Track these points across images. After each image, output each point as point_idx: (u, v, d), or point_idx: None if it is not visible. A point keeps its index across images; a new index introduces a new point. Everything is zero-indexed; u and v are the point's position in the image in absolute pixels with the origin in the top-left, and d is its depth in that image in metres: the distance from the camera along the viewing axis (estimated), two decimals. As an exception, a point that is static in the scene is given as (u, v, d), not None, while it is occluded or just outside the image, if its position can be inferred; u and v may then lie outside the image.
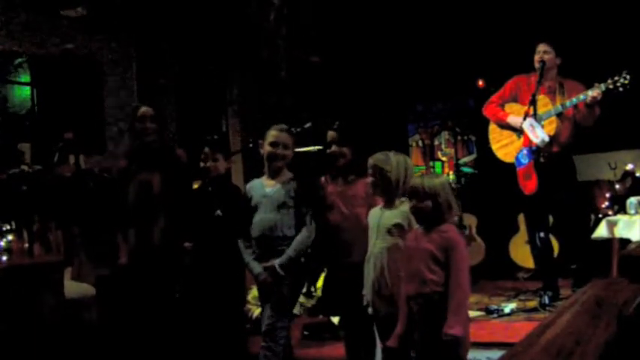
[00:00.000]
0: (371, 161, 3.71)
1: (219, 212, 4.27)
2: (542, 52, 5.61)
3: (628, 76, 5.19)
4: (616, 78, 5.23)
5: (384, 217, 3.65)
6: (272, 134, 4.12)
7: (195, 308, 4.36)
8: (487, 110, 5.94)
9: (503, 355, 1.19)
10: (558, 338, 1.16)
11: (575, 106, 5.43)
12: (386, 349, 3.59)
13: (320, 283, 5.06)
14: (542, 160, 5.51)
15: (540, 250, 5.78)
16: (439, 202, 3.25)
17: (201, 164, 4.36)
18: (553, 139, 5.46)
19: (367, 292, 3.68)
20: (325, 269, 4.40)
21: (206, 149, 4.36)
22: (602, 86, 5.25)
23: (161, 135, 4.75)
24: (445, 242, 3.19)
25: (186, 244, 4.52)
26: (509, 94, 5.83)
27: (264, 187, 4.14)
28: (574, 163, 5.77)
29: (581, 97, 5.36)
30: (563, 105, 5.47)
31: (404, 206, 3.58)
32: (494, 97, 5.93)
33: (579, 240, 5.58)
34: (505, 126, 5.80)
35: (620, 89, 5.24)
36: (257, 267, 4.05)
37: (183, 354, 4.42)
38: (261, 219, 4.07)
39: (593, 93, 5.27)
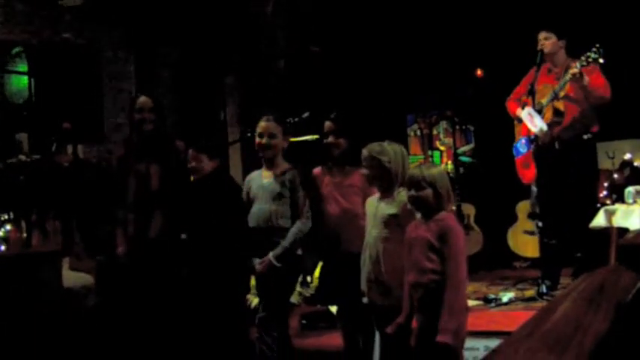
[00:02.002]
0: (366, 152, 3.66)
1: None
2: (543, 39, 5.59)
3: (601, 50, 5.17)
4: (588, 54, 5.21)
5: (381, 207, 3.64)
6: (259, 125, 4.13)
7: (195, 298, 4.37)
8: (507, 105, 5.91)
9: (501, 343, 1.19)
10: (556, 326, 1.16)
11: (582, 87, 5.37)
12: (384, 338, 3.60)
13: (317, 273, 5.07)
14: (557, 146, 5.49)
15: (540, 239, 5.78)
16: (439, 191, 3.25)
17: (188, 164, 4.38)
18: (550, 126, 5.45)
19: (362, 282, 3.67)
20: (322, 260, 4.40)
21: (190, 151, 4.36)
22: (578, 64, 5.24)
23: (160, 125, 4.73)
24: (441, 230, 3.20)
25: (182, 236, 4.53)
26: (526, 87, 5.78)
27: (262, 179, 4.14)
28: (592, 149, 5.70)
29: (567, 78, 5.34)
30: (554, 91, 5.46)
31: (401, 196, 3.58)
32: (513, 93, 5.90)
33: (583, 228, 5.55)
34: (518, 119, 5.78)
35: (595, 65, 5.23)
36: (253, 260, 4.06)
37: (182, 344, 4.42)
38: (257, 210, 4.08)
39: (570, 72, 5.25)
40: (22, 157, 5.71)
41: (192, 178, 4.47)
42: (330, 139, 4.07)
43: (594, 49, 5.19)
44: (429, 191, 3.24)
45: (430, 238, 3.21)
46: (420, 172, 3.29)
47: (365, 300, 3.66)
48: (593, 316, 1.12)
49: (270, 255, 3.97)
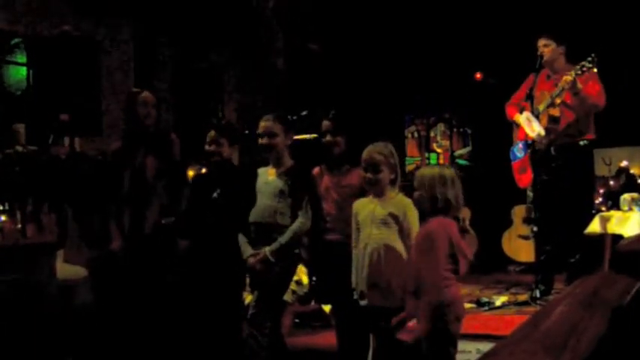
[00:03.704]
0: (380, 157, 3.63)
1: (216, 195, 4.27)
2: (542, 45, 5.59)
3: (595, 59, 5.19)
4: (583, 63, 5.23)
5: (379, 207, 3.64)
6: (260, 125, 4.14)
7: (190, 293, 4.36)
8: (506, 110, 5.91)
9: (497, 345, 1.19)
10: (552, 329, 1.16)
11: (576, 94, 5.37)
12: (379, 339, 3.60)
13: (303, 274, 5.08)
14: (553, 152, 5.50)
15: (535, 244, 5.79)
16: (431, 193, 3.26)
17: (206, 147, 4.36)
18: (546, 133, 5.45)
19: (360, 283, 3.66)
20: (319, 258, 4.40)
21: (212, 132, 4.35)
22: (573, 73, 5.25)
23: (158, 120, 4.75)
24: (428, 234, 3.22)
25: (164, 221, 4.53)
26: (525, 93, 5.77)
27: (267, 176, 4.15)
28: (588, 156, 5.67)
29: (561, 86, 5.35)
30: (551, 98, 5.47)
31: (399, 197, 3.59)
32: (512, 97, 5.90)
33: (578, 234, 5.56)
34: (516, 124, 5.77)
35: (592, 73, 5.26)
36: (247, 251, 4.06)
37: (175, 338, 4.42)
38: (258, 205, 4.08)
39: (564, 80, 5.26)
40: (19, 148, 5.69)
41: (208, 161, 4.46)
42: (328, 137, 4.07)
43: (589, 59, 5.21)
44: (420, 193, 3.28)
45: (420, 241, 3.26)
46: (421, 173, 3.35)
47: (364, 302, 3.64)
48: (588, 321, 1.12)
49: (267, 249, 3.97)
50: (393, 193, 3.64)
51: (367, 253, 3.61)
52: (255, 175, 4.23)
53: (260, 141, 4.11)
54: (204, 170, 4.85)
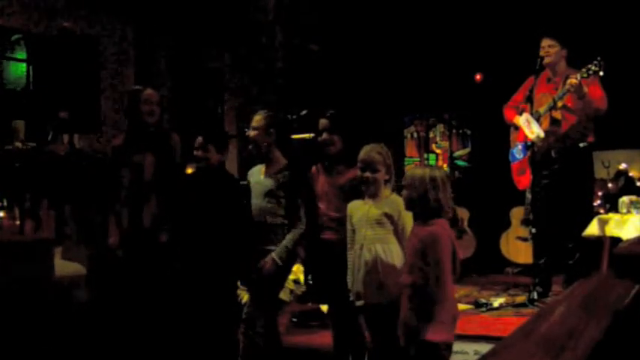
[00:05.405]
0: (378, 157, 3.64)
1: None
2: (547, 46, 5.58)
3: (602, 63, 5.18)
4: (589, 66, 5.22)
5: (373, 208, 3.64)
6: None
7: (186, 291, 4.36)
8: (504, 112, 5.90)
9: (493, 347, 1.19)
10: (550, 331, 1.16)
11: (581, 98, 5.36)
12: (375, 338, 3.61)
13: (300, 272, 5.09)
14: (553, 154, 5.50)
15: (533, 246, 5.80)
16: (422, 195, 3.26)
17: (194, 152, 4.37)
18: (547, 135, 5.45)
19: (356, 284, 3.66)
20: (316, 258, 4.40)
21: (199, 138, 4.34)
22: (578, 76, 5.25)
23: (161, 118, 4.75)
24: (433, 237, 3.21)
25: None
26: (524, 95, 5.77)
27: (260, 175, 4.16)
28: (588, 158, 5.68)
29: (566, 89, 5.34)
30: (553, 101, 5.46)
31: (393, 196, 3.60)
32: (510, 100, 5.90)
33: (577, 236, 5.57)
34: (514, 127, 5.77)
35: (595, 77, 5.25)
36: None
37: (172, 336, 4.42)
38: (250, 204, 4.11)
39: (569, 83, 5.25)
40: (18, 145, 5.69)
41: (188, 167, 4.48)
42: (324, 136, 4.06)
43: (595, 62, 5.20)
44: (411, 193, 3.29)
45: (416, 242, 3.24)
46: (412, 173, 3.34)
47: (360, 302, 3.64)
48: (586, 323, 1.13)
49: (274, 254, 3.98)
50: (387, 193, 3.65)
51: (363, 253, 3.61)
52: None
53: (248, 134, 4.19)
54: (190, 170, 4.87)
